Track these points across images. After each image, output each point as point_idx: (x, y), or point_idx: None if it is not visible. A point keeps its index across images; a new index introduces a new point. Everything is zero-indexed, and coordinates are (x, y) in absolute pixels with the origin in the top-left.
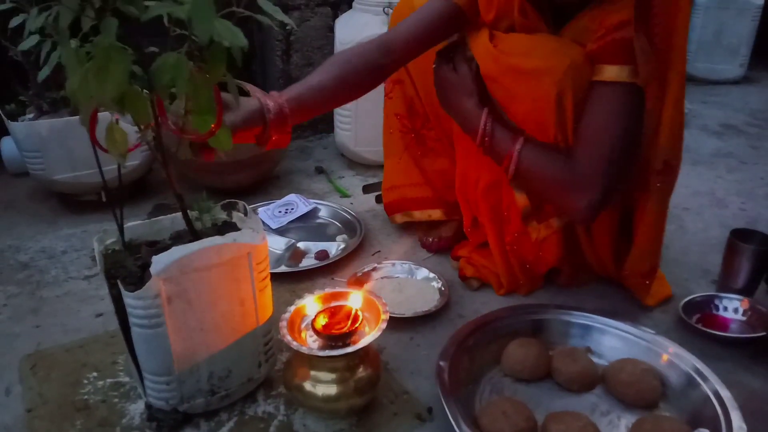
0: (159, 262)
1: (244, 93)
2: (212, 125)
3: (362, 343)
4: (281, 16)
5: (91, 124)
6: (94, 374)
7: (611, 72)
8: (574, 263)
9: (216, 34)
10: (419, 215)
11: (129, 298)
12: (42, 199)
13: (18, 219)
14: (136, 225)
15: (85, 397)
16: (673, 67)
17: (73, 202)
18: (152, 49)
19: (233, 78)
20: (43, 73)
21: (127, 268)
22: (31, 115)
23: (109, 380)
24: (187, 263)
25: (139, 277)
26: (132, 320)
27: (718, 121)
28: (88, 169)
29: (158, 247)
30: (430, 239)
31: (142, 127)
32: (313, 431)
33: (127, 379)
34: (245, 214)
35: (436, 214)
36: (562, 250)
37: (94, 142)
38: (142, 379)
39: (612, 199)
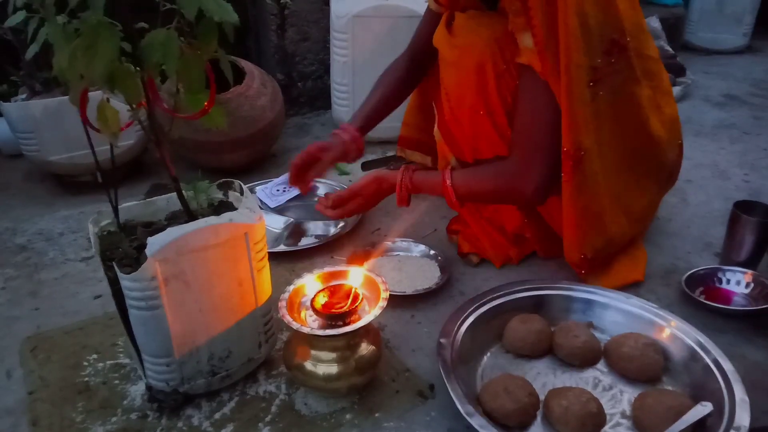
0: (154, 243)
1: (238, 69)
2: (205, 104)
3: (362, 321)
4: None
5: (82, 103)
6: (95, 356)
7: (525, 40)
8: (539, 231)
9: (205, 8)
10: (413, 156)
11: (125, 280)
12: (38, 181)
13: (14, 201)
14: (132, 206)
15: (86, 379)
16: (563, 59)
17: (70, 184)
18: (142, 25)
19: (227, 54)
20: (31, 51)
21: (122, 249)
22: (23, 96)
23: (109, 362)
24: (183, 244)
25: (135, 259)
26: (129, 302)
27: (720, 91)
28: (83, 149)
29: (154, 228)
30: None
31: (134, 105)
32: (315, 410)
33: (127, 360)
34: (241, 193)
35: (427, 160)
36: (522, 217)
37: (85, 121)
38: (141, 360)
39: (556, 177)
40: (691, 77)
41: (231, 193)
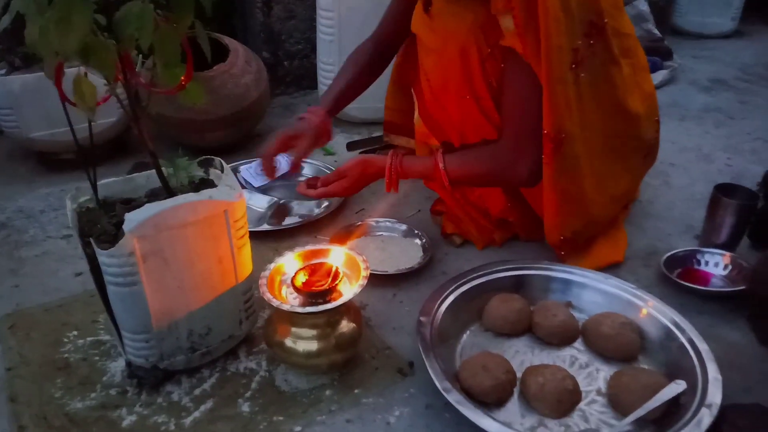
0: (132, 219)
1: (222, 47)
2: (182, 78)
3: (342, 299)
4: None
5: (57, 77)
6: (75, 333)
7: (506, 22)
8: (523, 215)
9: None
10: (398, 140)
11: (103, 257)
12: (20, 158)
13: None
14: (111, 182)
15: (66, 355)
16: (544, 42)
17: (52, 161)
18: None
19: (207, 30)
20: (3, 23)
21: (101, 226)
22: (2, 71)
23: (89, 339)
24: (161, 221)
25: (113, 236)
26: (107, 278)
27: (707, 75)
28: (65, 126)
29: (133, 204)
30: None
31: (111, 80)
32: (295, 387)
33: (107, 337)
34: (222, 171)
35: (413, 144)
36: (506, 201)
37: (62, 96)
38: (120, 337)
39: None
40: (678, 61)
41: (212, 170)
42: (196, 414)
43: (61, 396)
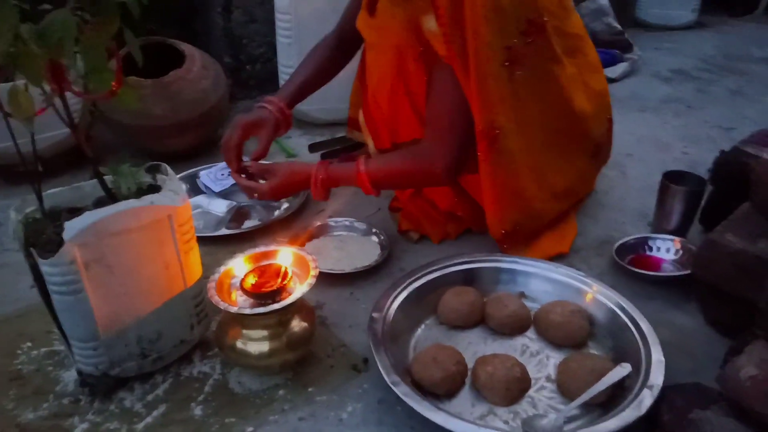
0: (72, 227)
1: (179, 53)
2: (113, 84)
3: (290, 299)
4: None
5: None
6: (29, 344)
7: (429, 23)
8: (470, 209)
9: None
10: (363, 137)
11: (44, 266)
12: None
13: None
14: (57, 192)
15: (19, 366)
16: (472, 41)
17: (9, 173)
18: (46, 6)
19: (166, 36)
20: None
21: (46, 236)
22: None
23: (43, 349)
24: (103, 228)
25: (58, 245)
26: (51, 288)
27: (669, 67)
28: (20, 138)
29: (80, 213)
30: None
31: (49, 89)
32: (249, 388)
33: (61, 347)
34: (167, 176)
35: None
36: (453, 196)
37: None
38: (69, 346)
39: (466, 158)
40: (638, 53)
41: (159, 176)
42: (148, 419)
43: (13, 407)
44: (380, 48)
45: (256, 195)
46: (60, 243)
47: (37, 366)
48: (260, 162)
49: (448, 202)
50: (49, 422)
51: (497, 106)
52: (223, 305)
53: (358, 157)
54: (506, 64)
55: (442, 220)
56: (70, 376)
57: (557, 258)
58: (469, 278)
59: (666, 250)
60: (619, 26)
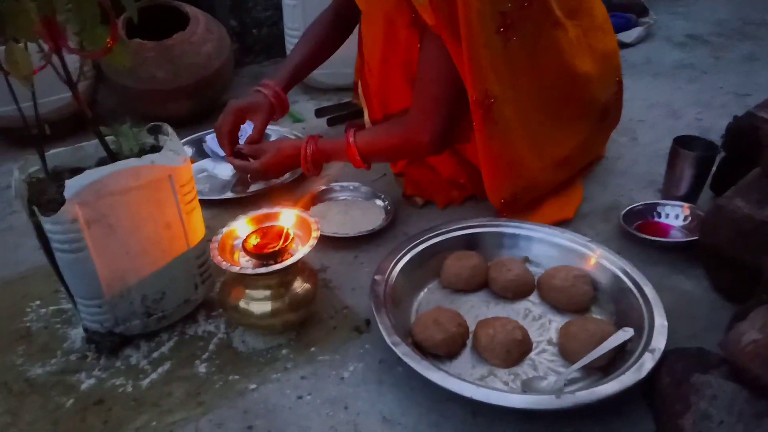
0: (72, 186)
1: (182, 15)
2: (108, 41)
3: (291, 259)
4: None
5: None
6: (37, 302)
7: None
8: (472, 176)
9: None
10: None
11: (47, 224)
12: None
13: None
14: (60, 152)
15: (28, 324)
16: (462, 10)
17: (17, 137)
18: None
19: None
20: None
21: (48, 195)
22: None
23: (51, 308)
24: (103, 187)
25: (59, 203)
26: (54, 246)
27: (683, 31)
28: (26, 101)
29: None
30: None
31: (46, 48)
32: (252, 347)
33: (68, 306)
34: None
35: None
36: (455, 163)
37: None
38: (75, 304)
39: (454, 129)
40: (654, 17)
41: (161, 137)
42: (153, 376)
43: (22, 363)
44: (372, 17)
45: (249, 176)
46: (62, 201)
47: (45, 324)
48: (251, 146)
49: (451, 170)
50: (57, 377)
51: (491, 75)
52: (225, 265)
53: (348, 130)
54: (500, 30)
55: (446, 186)
56: (77, 334)
57: (562, 224)
58: (472, 243)
59: (675, 216)
60: None
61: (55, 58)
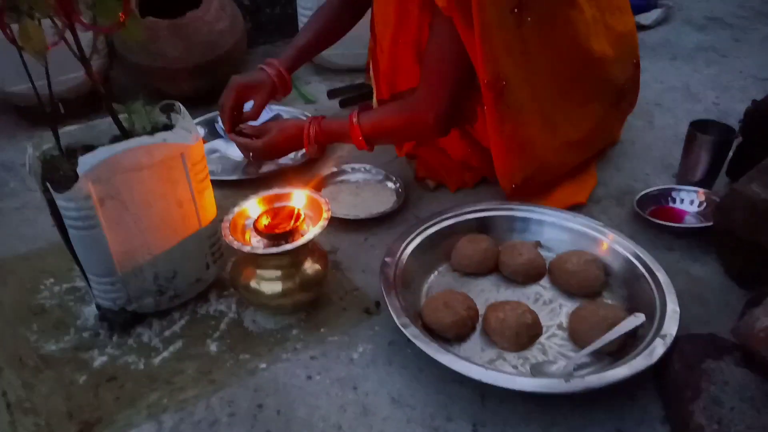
0: (85, 162)
1: None
2: (120, 15)
3: (302, 240)
4: None
5: (0, 20)
6: (51, 280)
7: None
8: (484, 159)
9: None
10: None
11: (60, 200)
12: (0, 113)
13: None
14: (74, 130)
15: (42, 301)
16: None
17: (32, 115)
18: None
19: None
20: None
21: (62, 172)
22: None
23: (65, 285)
24: (116, 164)
25: (73, 180)
26: (67, 222)
27: (704, 13)
28: (41, 80)
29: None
30: None
31: (60, 25)
32: (263, 327)
33: (82, 284)
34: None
35: None
36: (467, 146)
37: (9, 39)
38: (88, 281)
39: (460, 111)
40: None
41: (174, 115)
42: (165, 354)
43: (36, 339)
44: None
45: (251, 154)
46: (75, 178)
47: (59, 301)
48: (254, 127)
49: (462, 153)
50: (70, 354)
51: (503, 57)
52: (236, 245)
53: (353, 111)
54: (514, 10)
55: (458, 169)
56: (90, 311)
57: (575, 208)
58: (483, 226)
59: (690, 202)
60: None
61: (68, 34)
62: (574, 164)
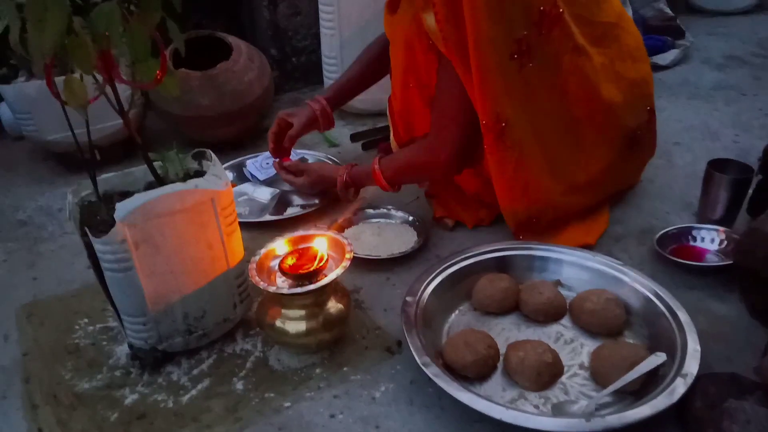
0: (122, 208)
1: (226, 45)
2: (158, 72)
3: (325, 280)
4: None
5: (47, 76)
6: (85, 320)
7: (429, 20)
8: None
9: None
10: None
11: (97, 244)
12: (40, 160)
13: (17, 180)
14: (111, 177)
15: (76, 341)
16: (472, 35)
17: (70, 162)
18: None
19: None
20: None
21: (100, 217)
22: (23, 78)
23: (98, 325)
24: (150, 209)
25: (110, 225)
26: (104, 265)
27: (721, 53)
28: (80, 128)
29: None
30: None
31: (98, 77)
32: (287, 365)
33: (115, 323)
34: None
35: None
36: (480, 183)
37: (54, 93)
38: (121, 321)
39: (471, 150)
40: (690, 39)
41: (205, 162)
42: (193, 392)
43: (70, 377)
44: (395, 43)
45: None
46: (112, 223)
47: (93, 340)
48: (298, 161)
49: (474, 188)
50: (103, 392)
51: (503, 100)
52: (262, 285)
53: (377, 156)
54: (515, 56)
55: (473, 205)
56: (122, 350)
57: (603, 245)
58: (503, 265)
59: (710, 240)
60: (670, 12)
61: (108, 88)
62: (583, 206)
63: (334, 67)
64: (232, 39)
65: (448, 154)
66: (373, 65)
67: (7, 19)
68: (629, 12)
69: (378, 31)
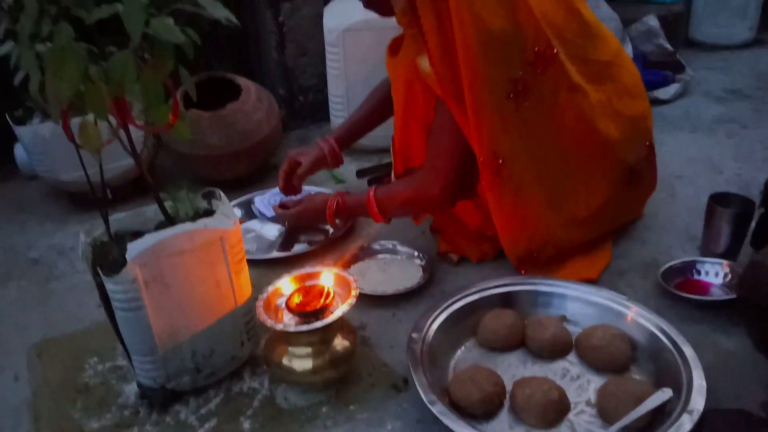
0: (133, 248)
1: (235, 86)
2: (170, 117)
3: (330, 318)
4: (221, 12)
5: (63, 121)
6: (95, 359)
7: (423, 63)
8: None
9: (153, 32)
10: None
11: (109, 283)
12: (53, 200)
13: (31, 219)
14: (122, 217)
15: (86, 380)
16: (467, 77)
17: (82, 201)
18: (111, 48)
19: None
20: (18, 77)
21: (112, 257)
22: (37, 120)
23: (108, 364)
24: (161, 249)
25: (121, 265)
26: (114, 304)
27: (722, 86)
28: (92, 168)
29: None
30: None
31: (113, 123)
32: (294, 403)
33: (124, 363)
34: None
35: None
36: (482, 217)
37: (70, 138)
38: (131, 359)
39: (466, 184)
40: (690, 74)
41: (214, 201)
42: (201, 431)
43: (79, 416)
44: (396, 83)
45: (286, 222)
46: (123, 263)
47: (102, 379)
48: (292, 201)
49: (477, 222)
50: (111, 431)
51: (500, 138)
52: (269, 322)
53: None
54: (511, 96)
55: (477, 239)
56: (131, 390)
57: (607, 280)
58: (508, 301)
59: (714, 273)
60: (670, 47)
61: (121, 132)
62: (584, 240)
63: (340, 105)
64: (241, 80)
65: (440, 188)
66: (381, 106)
67: (27, 68)
68: (629, 49)
69: (381, 70)
